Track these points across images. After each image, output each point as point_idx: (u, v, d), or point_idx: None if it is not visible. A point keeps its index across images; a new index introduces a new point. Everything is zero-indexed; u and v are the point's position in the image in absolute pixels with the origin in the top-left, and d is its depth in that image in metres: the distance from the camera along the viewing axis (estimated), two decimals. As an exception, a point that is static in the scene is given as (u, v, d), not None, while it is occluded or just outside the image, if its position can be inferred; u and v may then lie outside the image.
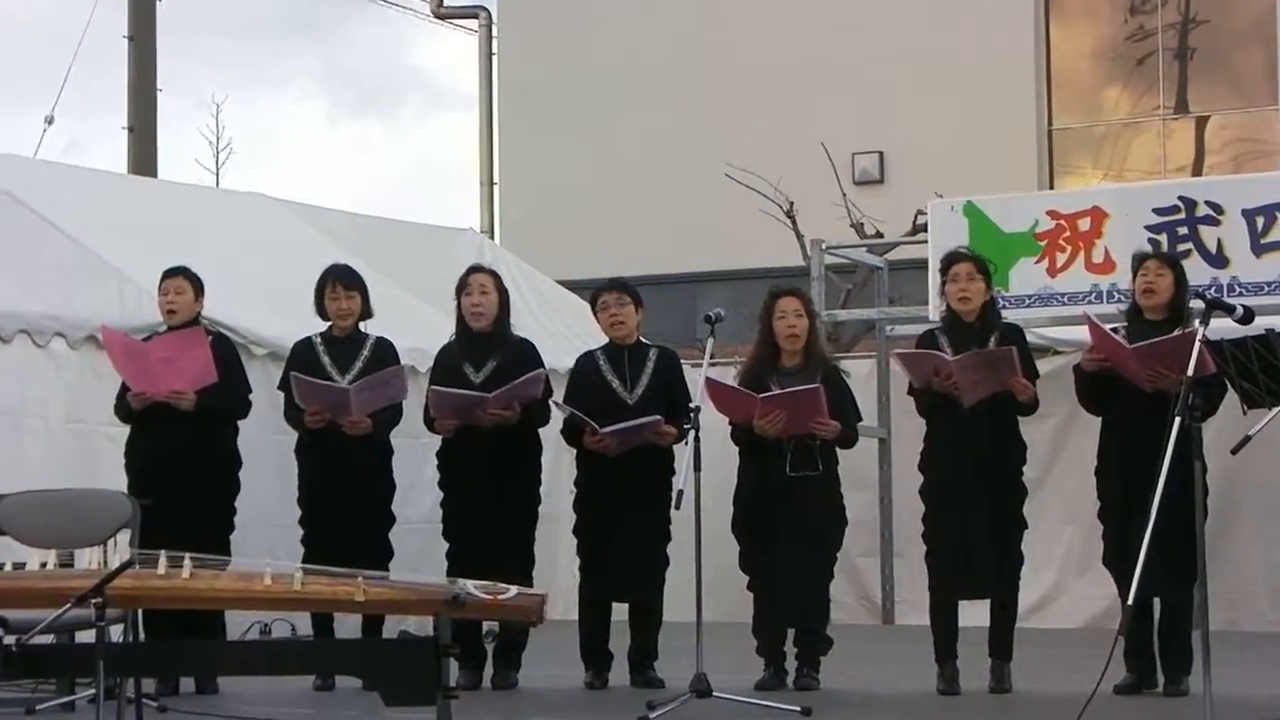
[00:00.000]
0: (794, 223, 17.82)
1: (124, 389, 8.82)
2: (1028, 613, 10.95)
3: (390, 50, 40.79)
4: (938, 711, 8.17)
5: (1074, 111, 21.33)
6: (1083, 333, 8.61)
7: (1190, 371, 6.40)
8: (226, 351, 8.96)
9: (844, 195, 18.14)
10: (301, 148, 40.33)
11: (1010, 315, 11.07)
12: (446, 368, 8.90)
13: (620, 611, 8.89)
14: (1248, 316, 6.63)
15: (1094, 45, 21.38)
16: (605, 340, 9.07)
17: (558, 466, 9.32)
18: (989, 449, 8.29)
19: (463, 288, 8.95)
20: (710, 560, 7.88)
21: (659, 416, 8.64)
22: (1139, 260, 8.43)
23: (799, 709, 7.46)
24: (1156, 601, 8.01)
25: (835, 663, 8.65)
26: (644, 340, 9.14)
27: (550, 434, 9.13)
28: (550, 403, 8.86)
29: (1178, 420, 6.30)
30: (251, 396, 9.07)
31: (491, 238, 20.57)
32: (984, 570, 8.31)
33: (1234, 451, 6.66)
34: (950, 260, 8.57)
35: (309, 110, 40.79)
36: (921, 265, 12.12)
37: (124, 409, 8.84)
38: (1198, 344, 6.53)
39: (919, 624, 8.85)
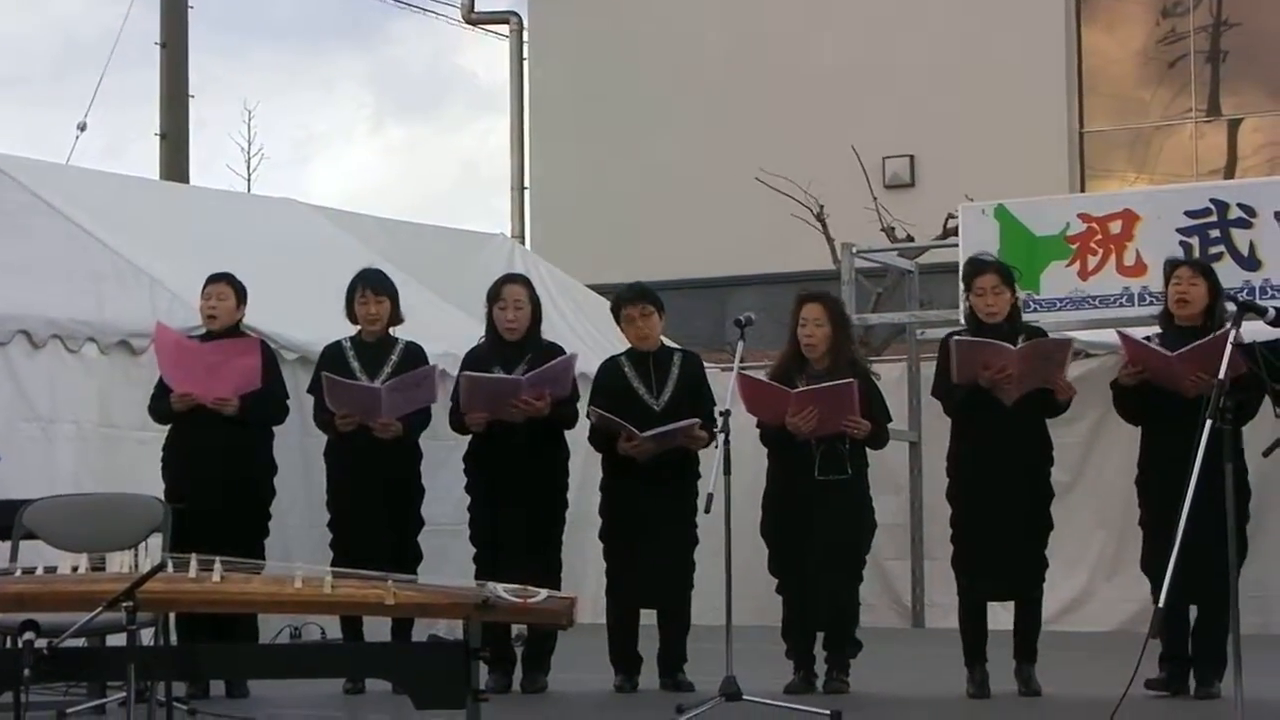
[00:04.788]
0: (825, 226, 17.81)
1: (162, 389, 8.78)
2: (1058, 615, 10.94)
3: (434, 51, 40.80)
4: (967, 715, 8.15)
5: (1105, 115, 21.27)
6: (1114, 336, 8.57)
7: (1222, 374, 6.37)
8: (268, 358, 8.97)
9: (875, 199, 18.13)
10: (345, 150, 40.41)
11: (1041, 318, 11.06)
12: (476, 369, 8.85)
13: (649, 615, 8.89)
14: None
15: (1125, 48, 21.33)
16: (628, 345, 9.05)
17: (587, 471, 9.32)
18: (1018, 450, 8.25)
19: (495, 298, 8.87)
20: (739, 563, 7.86)
21: (696, 420, 8.63)
22: (1171, 267, 8.32)
23: (828, 712, 7.41)
24: (1192, 606, 7.96)
25: (865, 666, 8.64)
26: (666, 344, 9.12)
27: (580, 438, 9.13)
28: (587, 414, 8.82)
29: (1208, 423, 6.26)
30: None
31: (523, 242, 20.58)
32: (1011, 572, 8.29)
33: (1265, 454, 6.65)
34: (974, 271, 8.48)
35: (352, 113, 40.83)
36: (952, 269, 12.09)
37: (162, 409, 8.79)
38: (1229, 346, 6.50)
39: (949, 627, 8.83)
